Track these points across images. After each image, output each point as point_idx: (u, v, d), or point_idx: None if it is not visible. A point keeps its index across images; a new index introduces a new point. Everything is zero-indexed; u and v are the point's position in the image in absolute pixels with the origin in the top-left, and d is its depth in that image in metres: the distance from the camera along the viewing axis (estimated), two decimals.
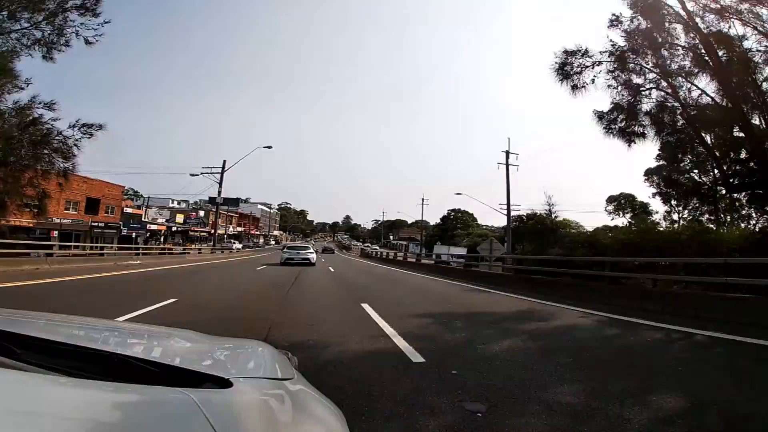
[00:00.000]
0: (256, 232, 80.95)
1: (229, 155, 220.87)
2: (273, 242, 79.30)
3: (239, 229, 75.10)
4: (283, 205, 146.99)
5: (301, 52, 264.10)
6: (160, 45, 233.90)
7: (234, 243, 50.01)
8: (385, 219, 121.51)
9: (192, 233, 50.24)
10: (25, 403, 0.49)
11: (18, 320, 1.07)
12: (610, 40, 11.07)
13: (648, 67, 10.89)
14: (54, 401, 0.51)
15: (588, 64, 11.32)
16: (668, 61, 10.68)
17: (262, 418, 0.65)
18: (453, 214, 72.27)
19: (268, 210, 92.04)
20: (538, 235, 24.82)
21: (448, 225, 71.05)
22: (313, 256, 21.08)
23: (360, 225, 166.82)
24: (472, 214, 70.96)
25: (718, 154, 11.65)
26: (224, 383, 0.71)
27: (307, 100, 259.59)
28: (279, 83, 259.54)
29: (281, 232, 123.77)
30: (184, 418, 0.54)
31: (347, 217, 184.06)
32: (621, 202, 41.26)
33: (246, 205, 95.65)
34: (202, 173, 30.00)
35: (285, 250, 21.89)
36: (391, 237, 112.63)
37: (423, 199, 70.11)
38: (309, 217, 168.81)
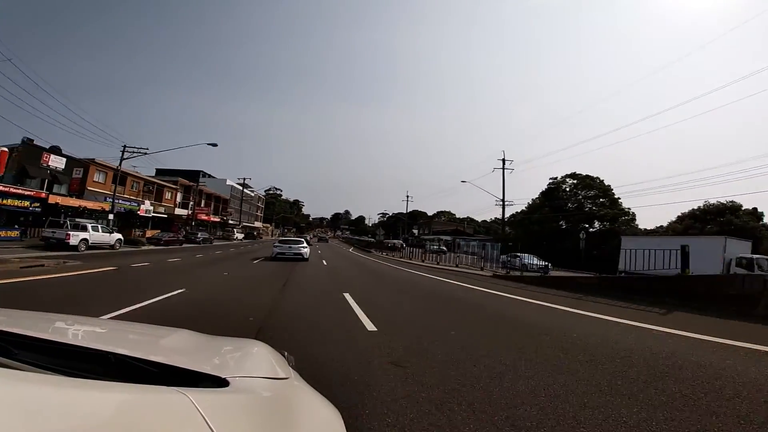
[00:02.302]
0: (212, 219, 48.17)
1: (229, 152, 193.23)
2: (239, 236, 46.29)
3: (183, 211, 42.69)
4: (271, 191, 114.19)
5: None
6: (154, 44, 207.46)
7: (83, 232, 17.57)
8: (392, 211, 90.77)
9: None
10: (22, 402, 0.47)
11: (14, 319, 1.04)
12: None
13: None
14: (50, 401, 0.49)
15: None
16: None
17: (258, 417, 0.64)
18: (564, 182, 40.02)
19: (241, 189, 59.22)
20: None
21: (559, 202, 38.78)
22: (306, 251, 19.07)
23: (367, 218, 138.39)
24: (602, 181, 38.91)
25: None
26: (221, 382, 0.71)
27: (307, 92, 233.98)
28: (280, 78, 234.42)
29: (267, 225, 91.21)
30: (181, 418, 0.52)
31: (347, 212, 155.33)
32: None
33: (208, 181, 63.31)
34: None
35: (276, 243, 20.04)
36: (416, 231, 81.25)
37: (504, 160, 38.86)
38: (304, 211, 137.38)
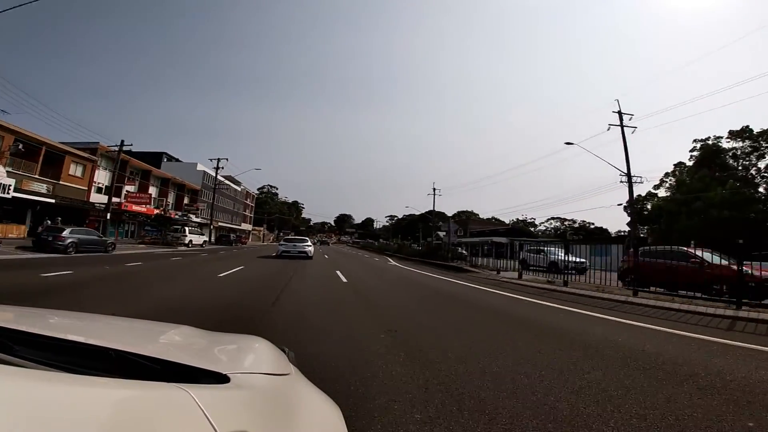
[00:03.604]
0: (155, 211, 31.41)
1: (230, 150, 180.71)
2: (194, 240, 28.91)
3: (113, 199, 25.97)
4: (265, 190, 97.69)
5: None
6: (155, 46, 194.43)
7: None
8: (398, 215, 74.24)
9: None
10: (24, 399, 0.46)
11: (14, 316, 1.03)
12: None
13: None
14: (50, 397, 0.48)
15: None
16: None
17: (259, 413, 0.64)
18: (717, 145, 23.33)
19: (213, 175, 42.51)
20: None
21: (727, 173, 22.02)
22: (310, 249, 19.83)
23: (375, 220, 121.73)
24: None
25: None
26: (221, 378, 0.71)
27: (306, 96, 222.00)
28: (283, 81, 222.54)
29: (258, 228, 74.56)
30: (181, 413, 0.52)
31: (349, 216, 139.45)
32: None
33: (174, 165, 46.91)
34: None
35: (282, 242, 21.44)
36: (442, 233, 64.68)
37: (620, 113, 22.46)
38: (304, 215, 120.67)
